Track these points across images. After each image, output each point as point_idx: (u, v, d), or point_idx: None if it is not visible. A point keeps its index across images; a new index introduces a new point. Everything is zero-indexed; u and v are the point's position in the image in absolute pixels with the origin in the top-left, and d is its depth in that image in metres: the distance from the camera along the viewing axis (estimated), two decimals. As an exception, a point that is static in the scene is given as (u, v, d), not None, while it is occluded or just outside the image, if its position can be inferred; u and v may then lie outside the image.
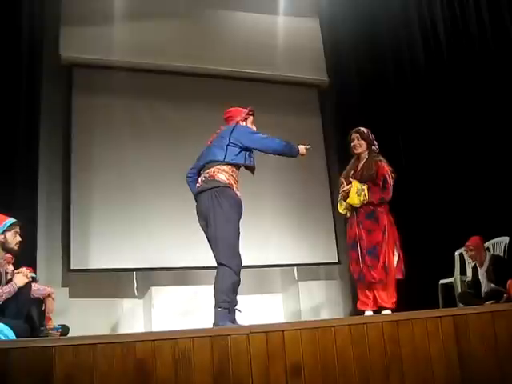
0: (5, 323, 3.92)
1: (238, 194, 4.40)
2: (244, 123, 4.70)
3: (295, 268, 7.75)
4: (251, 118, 4.79)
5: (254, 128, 4.77)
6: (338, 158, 7.90)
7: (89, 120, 7.28)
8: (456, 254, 6.73)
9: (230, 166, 4.41)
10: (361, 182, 5.18)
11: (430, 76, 7.55)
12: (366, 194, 5.11)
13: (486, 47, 6.74)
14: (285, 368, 2.98)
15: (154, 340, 2.85)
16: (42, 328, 4.80)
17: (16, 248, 4.64)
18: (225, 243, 4.23)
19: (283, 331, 3.07)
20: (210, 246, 4.38)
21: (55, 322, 5.13)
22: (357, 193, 5.12)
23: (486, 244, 6.22)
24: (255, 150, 4.57)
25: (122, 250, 6.93)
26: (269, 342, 3.01)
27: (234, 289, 4.22)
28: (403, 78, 7.98)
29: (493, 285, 5.88)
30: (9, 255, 4.68)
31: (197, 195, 4.47)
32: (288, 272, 7.80)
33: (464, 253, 6.56)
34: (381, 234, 5.08)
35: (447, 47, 7.35)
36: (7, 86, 6.42)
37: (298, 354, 3.03)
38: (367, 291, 5.17)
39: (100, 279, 6.96)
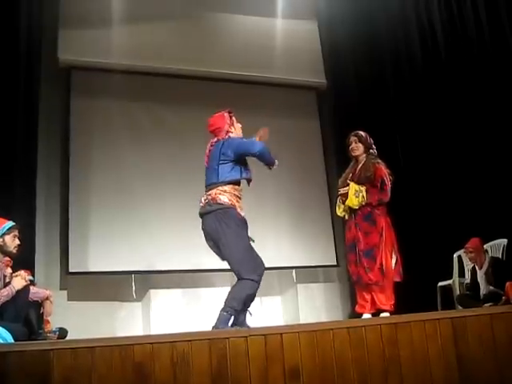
0: (3, 326, 3.91)
1: (242, 213, 4.40)
2: (232, 128, 4.66)
3: (294, 270, 7.74)
4: (233, 117, 4.73)
5: (239, 125, 4.74)
6: (337, 160, 7.90)
7: (87, 122, 7.27)
8: (454, 256, 6.73)
9: (230, 185, 4.39)
10: (358, 183, 5.20)
11: (428, 78, 7.56)
12: (365, 195, 5.12)
13: (484, 48, 6.75)
14: (283, 371, 2.98)
15: (152, 343, 2.85)
16: (41, 331, 4.78)
17: (14, 251, 4.65)
18: (244, 260, 4.25)
19: (282, 334, 3.07)
20: (229, 264, 4.38)
21: (53, 325, 5.11)
22: (355, 194, 5.13)
23: (485, 246, 6.21)
24: (242, 154, 4.51)
25: (121, 252, 6.92)
26: (267, 345, 3.01)
27: (246, 301, 4.22)
28: (401, 80, 7.99)
29: (491, 287, 5.88)
30: (7, 258, 4.68)
31: (201, 216, 4.45)
32: (286, 274, 7.79)
33: (462, 255, 6.56)
34: (378, 236, 5.09)
35: (445, 49, 7.35)
36: (6, 89, 6.41)
37: (296, 357, 3.03)
38: (365, 294, 5.17)
39: (98, 282, 6.94)
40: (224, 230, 4.27)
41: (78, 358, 2.73)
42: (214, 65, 7.83)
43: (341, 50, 8.54)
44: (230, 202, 4.33)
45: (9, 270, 4.69)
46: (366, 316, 5.08)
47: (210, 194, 4.39)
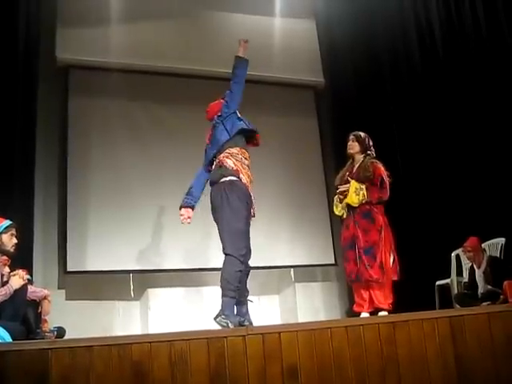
0: (1, 325, 3.91)
1: (246, 183, 4.48)
2: None
3: (292, 269, 7.75)
4: None
5: None
6: (335, 159, 7.90)
7: (85, 122, 7.27)
8: (452, 255, 6.73)
9: (237, 148, 4.54)
10: (357, 182, 5.22)
11: (426, 77, 7.56)
12: (365, 193, 5.15)
13: (482, 46, 6.75)
14: (281, 370, 2.99)
15: (150, 342, 2.85)
16: (39, 330, 4.78)
17: (12, 250, 4.64)
18: (231, 236, 4.32)
19: (280, 333, 3.07)
20: (219, 236, 4.46)
21: (51, 324, 5.11)
22: (355, 192, 5.16)
23: (483, 245, 6.22)
24: (233, 96, 4.75)
25: (119, 252, 6.91)
26: (265, 344, 3.01)
27: (238, 277, 4.29)
28: (399, 79, 7.99)
29: (489, 286, 5.89)
30: (5, 257, 4.67)
31: (211, 185, 4.58)
32: (285, 273, 7.80)
33: (460, 254, 6.56)
34: (377, 233, 5.12)
35: (443, 48, 7.36)
36: (3, 88, 6.40)
37: (294, 356, 3.04)
38: (363, 292, 5.18)
39: (96, 281, 6.94)
40: (224, 204, 4.37)
41: (76, 357, 2.72)
42: (213, 63, 7.81)
43: (339, 49, 8.54)
44: (235, 167, 4.46)
45: (7, 269, 4.69)
46: (364, 315, 5.08)
47: (218, 158, 4.55)
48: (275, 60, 8.16)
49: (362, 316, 5.06)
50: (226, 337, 2.96)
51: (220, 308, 4.16)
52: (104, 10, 7.45)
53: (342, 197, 5.27)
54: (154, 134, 7.48)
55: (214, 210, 4.48)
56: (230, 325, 3.91)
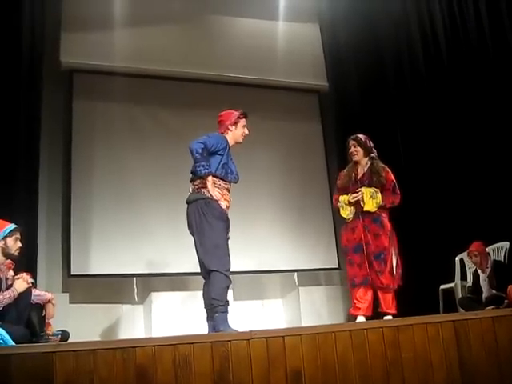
0: (4, 328, 3.91)
1: (224, 206, 4.47)
2: (234, 127, 4.73)
3: (295, 273, 7.74)
4: (242, 121, 4.78)
5: (245, 131, 4.78)
6: (338, 163, 7.88)
7: (89, 125, 7.29)
8: (456, 259, 6.72)
9: (215, 178, 4.50)
10: (370, 187, 5.20)
11: (430, 81, 7.56)
12: (380, 197, 5.13)
13: (485, 50, 6.76)
14: (285, 373, 2.98)
15: (154, 345, 2.85)
16: (43, 334, 4.78)
17: (16, 254, 4.65)
18: (213, 249, 4.34)
19: (284, 337, 3.07)
20: (198, 258, 4.50)
21: (55, 327, 5.10)
22: (372, 197, 5.12)
23: (487, 249, 6.21)
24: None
25: (122, 255, 6.92)
26: (269, 348, 3.00)
27: (226, 293, 4.34)
28: (403, 82, 7.99)
29: (493, 290, 5.88)
30: (9, 261, 4.68)
31: (187, 204, 4.59)
32: (288, 277, 7.79)
33: (465, 258, 6.55)
34: (387, 238, 5.10)
35: (447, 52, 7.36)
36: (8, 92, 6.42)
37: (298, 360, 3.03)
38: (362, 296, 5.14)
39: (100, 285, 6.95)
40: (202, 220, 4.40)
41: (80, 361, 2.72)
42: (217, 68, 7.84)
43: (343, 53, 8.54)
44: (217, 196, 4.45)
45: (11, 273, 4.70)
46: (361, 319, 5.07)
47: (195, 184, 4.56)
48: (279, 64, 8.18)
49: (358, 320, 5.04)
50: (229, 340, 2.96)
51: (214, 326, 4.20)
52: (108, 15, 7.48)
53: (352, 202, 5.19)
54: (158, 138, 7.50)
55: (190, 226, 4.51)
56: None
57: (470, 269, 6.49)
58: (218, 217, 4.41)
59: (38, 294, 4.91)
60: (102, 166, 7.20)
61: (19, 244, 4.67)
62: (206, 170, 4.43)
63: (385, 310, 5.07)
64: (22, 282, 4.53)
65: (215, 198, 4.41)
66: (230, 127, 4.74)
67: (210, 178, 4.44)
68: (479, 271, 6.14)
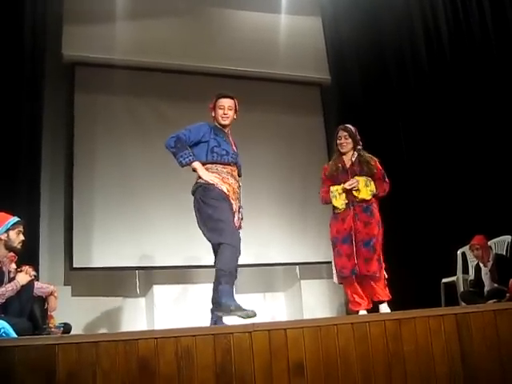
0: (7, 321, 3.92)
1: (224, 189, 4.35)
2: (213, 112, 4.67)
3: (297, 267, 7.75)
4: (219, 101, 4.66)
5: (224, 112, 4.60)
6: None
7: (91, 118, 7.29)
8: (458, 252, 6.73)
9: (210, 164, 4.44)
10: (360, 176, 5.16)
11: (432, 74, 7.55)
12: (374, 186, 5.10)
13: (488, 44, 6.75)
14: (287, 366, 2.99)
15: (156, 338, 2.86)
16: (45, 326, 4.80)
17: (19, 247, 4.66)
18: (220, 228, 4.21)
19: (286, 329, 3.07)
20: (205, 236, 4.36)
21: (57, 320, 5.12)
22: (366, 185, 5.08)
23: (489, 243, 6.21)
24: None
25: (125, 248, 6.93)
26: (271, 340, 3.01)
27: (235, 265, 4.21)
28: (405, 76, 7.98)
29: (495, 284, 5.88)
30: (12, 254, 4.69)
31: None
32: (290, 271, 7.80)
33: (466, 251, 6.56)
34: (377, 226, 5.06)
35: (450, 46, 7.34)
36: (9, 84, 6.42)
37: (300, 352, 3.04)
38: (357, 289, 5.08)
39: (102, 278, 6.97)
40: (201, 206, 4.32)
41: (83, 353, 2.73)
42: (218, 61, 7.82)
43: (345, 46, 8.53)
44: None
45: (13, 266, 4.71)
46: (363, 313, 5.01)
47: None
48: (281, 57, 8.16)
49: (360, 314, 4.98)
50: (232, 333, 2.96)
51: (218, 297, 4.08)
52: (110, 8, 7.47)
53: (348, 189, 5.10)
54: (160, 131, 7.44)
55: (196, 217, 4.42)
56: (238, 312, 3.93)
57: (472, 262, 6.50)
58: (217, 198, 4.30)
59: (40, 287, 4.93)
60: (103, 159, 7.20)
61: (22, 237, 4.68)
62: (187, 159, 4.39)
63: (378, 297, 5.02)
64: (24, 275, 4.54)
65: (211, 182, 4.31)
66: (212, 114, 4.70)
67: (195, 165, 4.38)
68: (481, 265, 6.15)
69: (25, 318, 4.44)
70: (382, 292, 5.03)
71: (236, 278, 4.26)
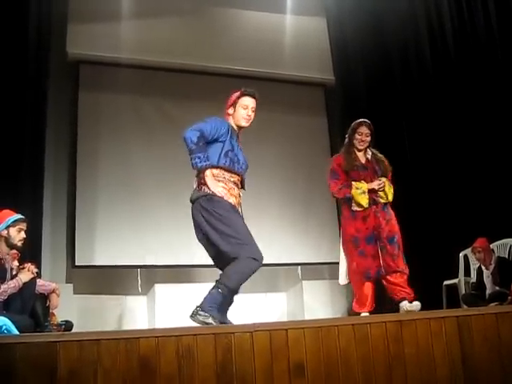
0: (9, 318, 3.93)
1: (230, 200, 3.91)
2: (232, 110, 4.14)
3: (299, 267, 7.76)
4: (243, 100, 4.13)
5: (247, 113, 4.11)
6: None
7: (95, 116, 7.31)
8: (460, 255, 6.72)
9: (218, 169, 3.94)
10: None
11: (436, 75, 7.55)
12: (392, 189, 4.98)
13: (493, 43, 6.75)
14: (288, 366, 2.99)
15: (157, 337, 2.86)
16: (47, 323, 4.81)
17: (19, 244, 4.65)
18: (241, 239, 3.78)
19: (287, 330, 3.07)
20: (216, 259, 4.00)
21: (59, 317, 5.14)
22: (389, 186, 4.97)
23: (491, 246, 6.21)
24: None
25: (127, 247, 6.95)
26: (272, 341, 3.01)
27: (240, 280, 3.79)
28: (409, 77, 7.98)
29: (497, 287, 5.88)
30: (14, 251, 4.71)
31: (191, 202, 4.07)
32: (292, 271, 7.81)
33: (469, 254, 6.55)
34: (396, 223, 4.94)
35: (454, 46, 7.34)
36: (14, 82, 6.44)
37: (301, 353, 3.03)
38: (367, 291, 4.91)
39: (104, 276, 6.98)
40: (209, 218, 3.83)
41: (84, 351, 2.73)
42: (222, 60, 7.83)
43: (349, 47, 8.52)
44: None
45: (16, 263, 4.72)
46: (364, 315, 4.86)
47: (198, 180, 4.01)
48: (285, 57, 8.17)
49: (362, 315, 4.86)
50: (233, 333, 2.96)
51: (203, 300, 3.73)
52: (115, 6, 7.49)
53: (376, 189, 4.90)
54: (164, 130, 7.50)
55: (197, 228, 3.98)
56: (211, 320, 3.57)
57: (474, 265, 6.49)
58: (228, 209, 3.84)
59: (42, 284, 4.94)
60: (107, 157, 7.22)
61: (23, 235, 4.67)
62: (204, 163, 3.85)
63: (406, 296, 4.80)
64: (26, 272, 4.55)
65: (219, 195, 3.84)
66: (228, 111, 4.17)
67: (208, 173, 3.86)
68: (483, 267, 6.14)
69: (26, 315, 4.45)
70: (407, 288, 4.88)
71: (236, 295, 3.90)
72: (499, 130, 6.58)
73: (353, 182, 4.95)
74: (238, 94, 4.17)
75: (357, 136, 5.11)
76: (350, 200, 4.97)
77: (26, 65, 6.59)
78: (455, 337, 3.35)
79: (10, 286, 4.41)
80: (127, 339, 2.82)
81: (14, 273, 4.60)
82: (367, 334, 3.20)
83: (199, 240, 4.04)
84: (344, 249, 5.10)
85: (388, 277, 4.87)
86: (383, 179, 4.95)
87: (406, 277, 4.92)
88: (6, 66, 6.37)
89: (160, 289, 6.90)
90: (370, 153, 5.14)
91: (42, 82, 6.77)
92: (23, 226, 4.70)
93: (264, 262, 7.60)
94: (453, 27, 7.38)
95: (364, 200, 4.89)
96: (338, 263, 7.90)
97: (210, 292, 3.75)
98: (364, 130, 5.09)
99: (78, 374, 2.71)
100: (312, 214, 7.94)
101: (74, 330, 5.05)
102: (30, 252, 5.67)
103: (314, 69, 8.42)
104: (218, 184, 3.89)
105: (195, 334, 2.92)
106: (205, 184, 3.89)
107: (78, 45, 7.25)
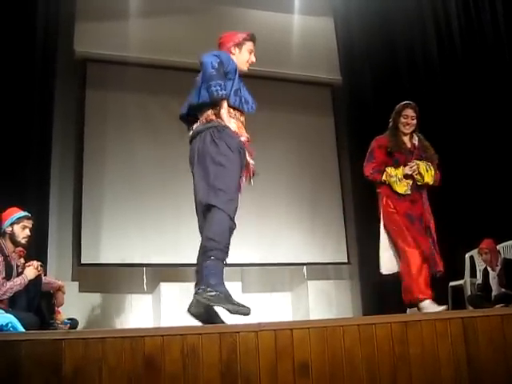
0: (14, 315, 3.95)
1: (242, 137, 3.59)
2: (237, 50, 3.89)
3: (304, 267, 7.75)
4: (249, 44, 3.97)
5: (251, 58, 4.00)
6: (350, 157, 7.89)
7: (102, 115, 7.32)
8: (466, 256, 6.71)
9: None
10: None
11: (444, 75, 7.53)
12: (433, 171, 4.74)
13: (500, 43, 6.75)
14: (293, 366, 2.98)
15: (162, 335, 2.86)
16: (52, 321, 4.83)
17: (23, 242, 4.67)
18: (221, 183, 3.44)
19: (292, 329, 3.06)
20: (197, 193, 3.63)
21: (64, 315, 5.15)
22: (427, 170, 4.70)
23: (497, 247, 6.19)
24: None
25: (133, 245, 6.96)
26: (277, 340, 3.00)
27: (228, 236, 3.49)
28: (417, 77, 7.96)
29: (503, 289, 5.86)
30: (20, 248, 4.72)
31: (191, 142, 3.69)
32: (297, 271, 7.80)
33: (475, 255, 6.54)
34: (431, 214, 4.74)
35: (461, 46, 7.33)
36: (21, 80, 6.45)
37: (306, 353, 3.03)
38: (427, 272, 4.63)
39: (110, 274, 6.99)
40: (209, 149, 3.47)
41: (89, 349, 2.74)
42: (230, 59, 7.82)
43: (356, 47, 8.51)
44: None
45: (22, 260, 4.74)
46: (428, 303, 4.46)
47: (203, 116, 3.64)
48: (292, 57, 8.16)
49: (425, 304, 4.43)
50: (238, 332, 2.96)
51: (203, 274, 3.48)
52: (122, 5, 7.49)
53: (410, 174, 4.67)
54: (170, 128, 7.47)
55: (193, 158, 3.59)
56: (220, 297, 3.35)
57: (480, 266, 6.48)
58: (235, 148, 3.49)
59: (48, 282, 4.95)
60: (113, 155, 7.23)
61: (27, 232, 4.69)
62: (223, 92, 3.43)
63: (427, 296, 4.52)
64: (32, 270, 4.57)
65: (233, 129, 3.51)
66: (232, 49, 3.87)
67: (225, 104, 3.49)
68: (489, 269, 6.13)
69: (32, 312, 4.46)
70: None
71: (227, 256, 3.53)
72: (507, 129, 6.56)
73: (386, 169, 4.73)
74: (244, 35, 3.95)
75: (402, 119, 4.89)
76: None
77: (34, 64, 6.60)
78: (460, 338, 3.34)
79: (16, 283, 4.43)
80: (132, 338, 2.82)
81: (19, 270, 4.61)
82: (372, 335, 3.20)
83: (191, 168, 3.68)
84: (391, 229, 4.72)
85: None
86: (416, 161, 4.70)
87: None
88: (13, 64, 6.38)
89: (165, 287, 6.90)
90: (417, 138, 4.93)
91: (49, 80, 6.78)
92: (28, 223, 4.72)
93: (269, 261, 7.64)
94: (460, 26, 7.37)
95: (401, 187, 4.65)
96: (343, 263, 7.98)
97: (206, 266, 3.49)
98: (410, 112, 4.89)
99: (83, 371, 2.71)
100: (318, 214, 7.93)
101: (79, 328, 5.07)
102: (36, 249, 5.68)
103: (321, 69, 8.41)
104: (231, 119, 3.57)
105: (200, 333, 2.92)
106: (217, 117, 3.53)
107: (85, 43, 7.26)
